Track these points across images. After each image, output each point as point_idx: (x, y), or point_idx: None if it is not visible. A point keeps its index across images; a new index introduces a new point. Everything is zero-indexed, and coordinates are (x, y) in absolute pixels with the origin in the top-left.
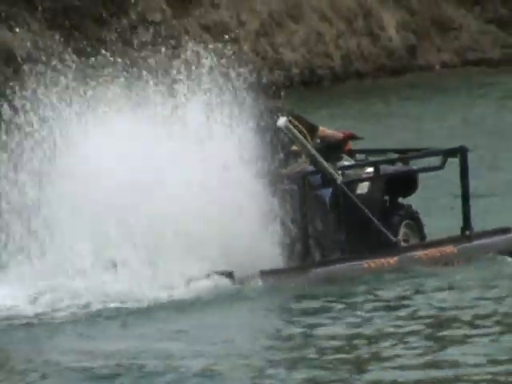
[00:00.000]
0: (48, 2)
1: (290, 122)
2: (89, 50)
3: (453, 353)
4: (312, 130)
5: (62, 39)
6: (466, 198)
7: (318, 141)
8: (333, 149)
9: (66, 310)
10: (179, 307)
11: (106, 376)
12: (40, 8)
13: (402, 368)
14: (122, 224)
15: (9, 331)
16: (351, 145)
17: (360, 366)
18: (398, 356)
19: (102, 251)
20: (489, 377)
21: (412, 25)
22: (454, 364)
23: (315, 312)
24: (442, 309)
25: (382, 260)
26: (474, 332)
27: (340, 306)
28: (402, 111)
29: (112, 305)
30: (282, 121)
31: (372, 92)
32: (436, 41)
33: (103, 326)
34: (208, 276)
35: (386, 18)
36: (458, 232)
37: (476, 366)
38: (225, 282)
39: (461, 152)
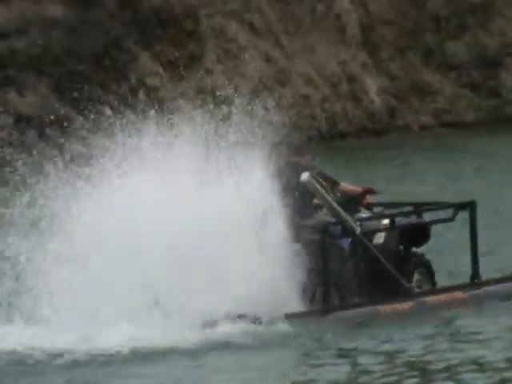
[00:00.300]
0: (53, 67)
1: (312, 177)
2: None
3: None
4: (333, 184)
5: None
6: (474, 247)
7: (339, 194)
8: (352, 202)
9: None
10: (208, 348)
11: None
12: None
13: None
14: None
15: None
16: (368, 199)
17: None
18: None
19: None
20: None
21: (392, 89)
22: None
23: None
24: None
25: (397, 305)
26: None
27: (359, 354)
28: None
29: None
30: (305, 176)
31: (355, 151)
32: (414, 104)
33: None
34: (235, 318)
35: (368, 83)
36: (467, 279)
37: None
38: (251, 324)
39: (471, 206)
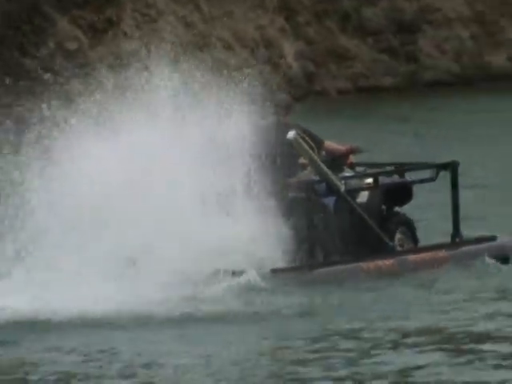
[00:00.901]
0: None
1: (298, 135)
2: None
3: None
4: (318, 143)
5: None
6: (456, 207)
7: (323, 153)
8: (336, 161)
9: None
10: (195, 301)
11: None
12: None
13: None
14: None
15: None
16: (352, 158)
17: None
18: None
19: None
20: None
21: (309, 54)
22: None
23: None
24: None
25: (380, 262)
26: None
27: (341, 309)
28: None
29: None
30: (291, 134)
31: None
32: (332, 69)
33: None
34: (223, 273)
35: (286, 48)
36: (448, 238)
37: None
38: (238, 279)
39: (452, 166)
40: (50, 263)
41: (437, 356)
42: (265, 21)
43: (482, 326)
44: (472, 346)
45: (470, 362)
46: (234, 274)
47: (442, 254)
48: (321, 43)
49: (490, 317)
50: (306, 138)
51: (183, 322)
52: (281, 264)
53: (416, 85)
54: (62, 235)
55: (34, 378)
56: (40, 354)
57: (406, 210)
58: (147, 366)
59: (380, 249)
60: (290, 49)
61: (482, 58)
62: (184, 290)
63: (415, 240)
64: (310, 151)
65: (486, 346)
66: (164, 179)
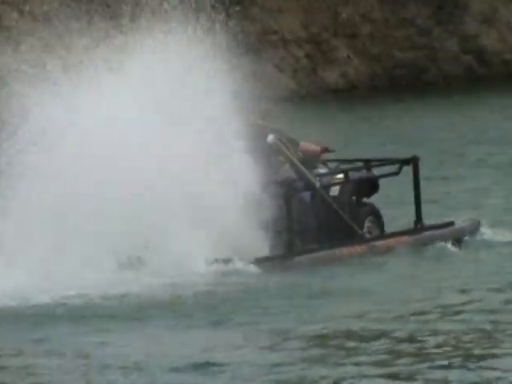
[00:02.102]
0: None
1: (277, 138)
2: None
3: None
4: (294, 144)
5: None
6: (417, 197)
7: (300, 153)
8: (311, 159)
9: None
10: (182, 290)
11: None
12: None
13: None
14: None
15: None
16: (323, 156)
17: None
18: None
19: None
20: None
21: None
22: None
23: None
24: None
25: (352, 249)
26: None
27: (322, 292)
28: None
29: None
30: (270, 137)
31: None
32: None
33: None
34: (209, 261)
35: None
36: (411, 225)
37: None
38: (224, 266)
39: (413, 161)
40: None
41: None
42: None
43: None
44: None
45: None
46: (220, 261)
47: (406, 239)
48: None
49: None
50: (283, 140)
51: (175, 310)
52: (263, 252)
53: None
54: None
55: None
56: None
57: (373, 200)
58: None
59: (351, 236)
60: None
61: (316, 75)
62: (173, 276)
63: (382, 227)
64: (288, 153)
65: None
66: (152, 167)
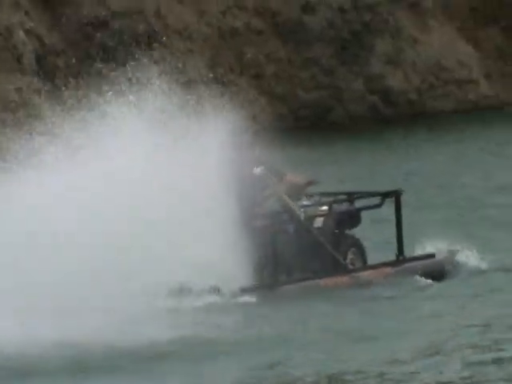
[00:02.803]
0: None
1: (264, 171)
2: None
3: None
4: (281, 176)
5: None
6: (399, 229)
7: (284, 185)
8: (296, 191)
9: None
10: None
11: None
12: None
13: None
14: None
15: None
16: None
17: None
18: None
19: None
20: None
21: None
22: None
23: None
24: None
25: (335, 279)
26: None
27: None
28: None
29: None
30: (258, 170)
31: None
32: None
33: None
34: (197, 290)
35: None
36: (393, 257)
37: None
38: (212, 296)
39: (396, 194)
40: None
41: None
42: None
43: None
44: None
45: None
46: (209, 290)
47: (387, 270)
48: None
49: None
50: (269, 174)
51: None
52: (248, 282)
53: None
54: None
55: None
56: None
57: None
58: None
59: (335, 267)
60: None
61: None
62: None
63: (364, 259)
64: (274, 185)
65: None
66: (146, 203)
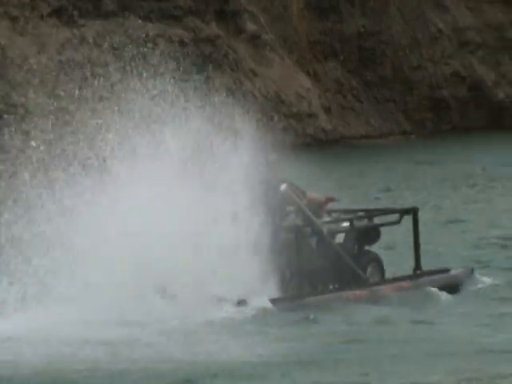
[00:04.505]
0: None
1: (289, 188)
2: None
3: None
4: (302, 193)
5: None
6: (416, 244)
7: (305, 202)
8: (316, 208)
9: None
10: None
11: None
12: None
13: None
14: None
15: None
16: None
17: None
18: None
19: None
20: None
21: None
22: None
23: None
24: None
25: (357, 292)
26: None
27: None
28: None
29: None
30: (283, 187)
31: None
32: None
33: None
34: (225, 302)
35: None
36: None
37: None
38: (239, 308)
39: (413, 211)
40: None
41: None
42: None
43: None
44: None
45: None
46: (238, 303)
47: (405, 284)
48: None
49: None
50: (294, 190)
51: (194, 348)
52: (274, 294)
53: None
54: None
55: None
56: None
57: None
58: None
59: (355, 280)
60: None
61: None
62: (190, 316)
63: (383, 273)
64: (299, 201)
65: None
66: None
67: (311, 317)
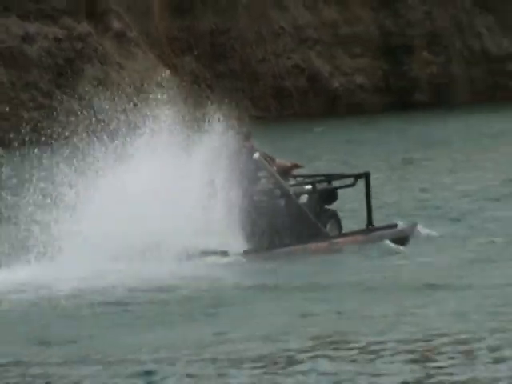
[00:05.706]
0: None
1: (261, 156)
2: None
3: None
4: (272, 160)
5: None
6: (369, 204)
7: (275, 167)
8: (284, 173)
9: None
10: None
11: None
12: None
13: None
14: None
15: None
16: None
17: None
18: None
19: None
20: None
21: None
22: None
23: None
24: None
25: (318, 244)
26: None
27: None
28: None
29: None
30: (256, 155)
31: None
32: None
33: None
34: (205, 253)
35: None
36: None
37: None
38: (219, 258)
39: (366, 175)
40: None
41: None
42: None
43: None
44: None
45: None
46: (218, 253)
47: (360, 237)
48: None
49: None
50: (265, 157)
51: (175, 299)
52: (248, 247)
53: None
54: None
55: None
56: None
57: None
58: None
59: (317, 235)
60: None
61: None
62: (172, 266)
63: (340, 228)
64: (270, 167)
65: None
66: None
67: (279, 265)
